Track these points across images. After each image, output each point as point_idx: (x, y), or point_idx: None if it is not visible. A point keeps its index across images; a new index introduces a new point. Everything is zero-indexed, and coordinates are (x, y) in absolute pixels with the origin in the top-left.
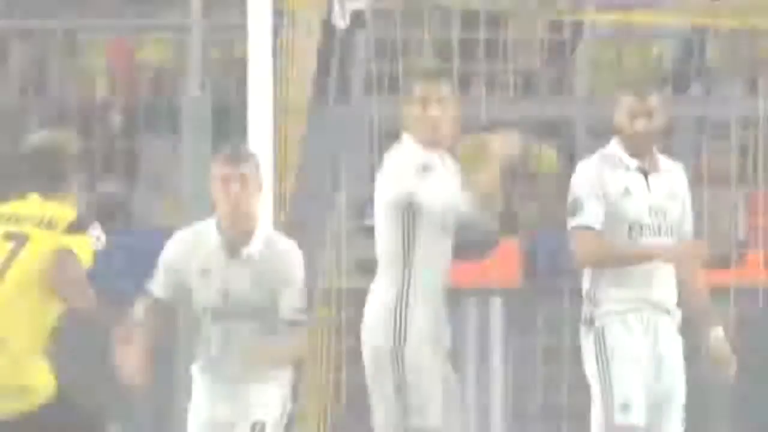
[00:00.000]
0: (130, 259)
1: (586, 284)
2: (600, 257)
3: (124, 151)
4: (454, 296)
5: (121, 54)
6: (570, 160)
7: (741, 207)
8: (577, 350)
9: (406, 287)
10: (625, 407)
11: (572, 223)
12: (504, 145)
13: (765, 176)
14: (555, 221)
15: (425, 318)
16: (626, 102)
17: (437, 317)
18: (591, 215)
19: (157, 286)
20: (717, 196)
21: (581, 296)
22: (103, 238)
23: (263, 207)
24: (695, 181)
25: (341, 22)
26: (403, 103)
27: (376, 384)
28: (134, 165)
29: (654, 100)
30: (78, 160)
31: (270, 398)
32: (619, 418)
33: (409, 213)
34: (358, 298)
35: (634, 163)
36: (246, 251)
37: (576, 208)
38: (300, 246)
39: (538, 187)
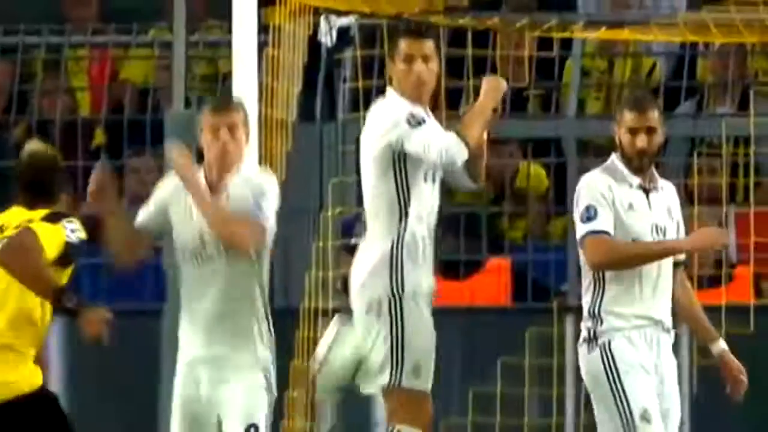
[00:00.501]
0: (114, 279)
1: (587, 301)
2: (620, 258)
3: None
4: (443, 315)
5: (104, 71)
6: (559, 178)
7: (732, 226)
8: (565, 370)
9: (401, 237)
10: (646, 415)
11: (586, 229)
12: (489, 89)
13: (756, 195)
14: (544, 240)
15: (419, 268)
16: (627, 118)
17: (428, 268)
18: (605, 222)
19: (145, 215)
20: (707, 215)
21: (571, 315)
22: (80, 233)
23: (249, 160)
24: (685, 199)
25: (327, 39)
26: (389, 60)
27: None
28: (118, 183)
29: (655, 116)
30: (63, 174)
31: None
32: (642, 428)
33: (402, 161)
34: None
35: (636, 180)
36: (224, 187)
37: (589, 215)
38: (285, 265)
39: (527, 205)
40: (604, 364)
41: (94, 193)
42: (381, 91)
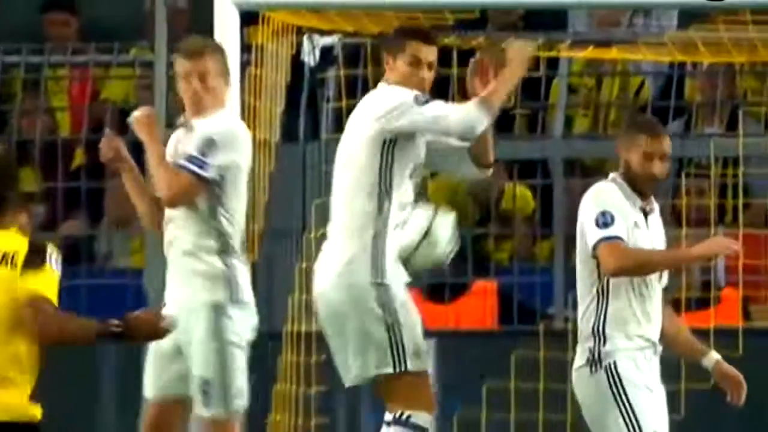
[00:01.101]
0: (94, 300)
1: (588, 320)
2: (636, 264)
3: (89, 191)
4: (428, 338)
5: (84, 91)
6: (546, 199)
7: None
8: (551, 394)
9: (383, 225)
10: None
11: (602, 234)
12: (516, 55)
13: (745, 217)
14: (531, 262)
15: (396, 253)
16: (643, 142)
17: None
18: (620, 228)
19: None
20: (695, 237)
21: (557, 338)
22: (59, 259)
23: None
24: (674, 220)
25: (310, 59)
26: (387, 56)
27: (365, 327)
28: (99, 205)
29: (669, 142)
30: (16, 179)
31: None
32: None
33: (392, 147)
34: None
35: (638, 201)
36: (193, 126)
37: (606, 221)
38: (268, 286)
39: (513, 227)
40: (611, 386)
41: (111, 160)
42: None
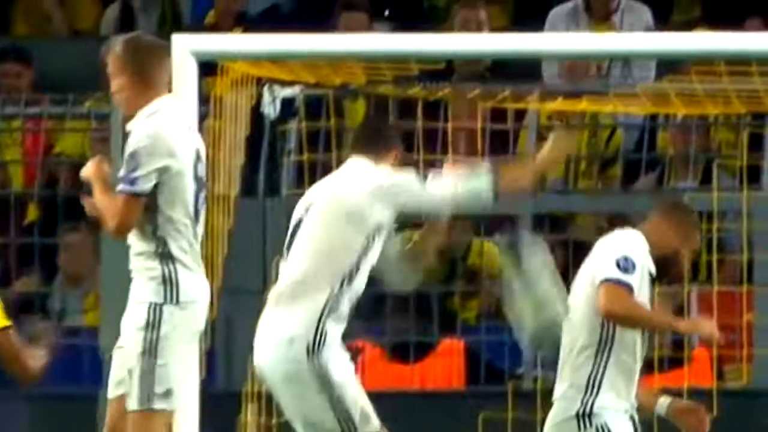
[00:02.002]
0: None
1: (584, 370)
2: (632, 315)
3: (43, 246)
4: (393, 399)
5: (38, 144)
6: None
7: (694, 305)
8: None
9: (337, 294)
10: None
11: (616, 276)
12: (559, 142)
13: (719, 274)
14: (499, 320)
15: (341, 325)
16: (695, 239)
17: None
18: (636, 281)
19: None
20: (665, 295)
21: (526, 399)
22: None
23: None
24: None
25: (271, 110)
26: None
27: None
28: (52, 261)
29: None
30: None
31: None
32: None
33: (378, 231)
34: None
35: (653, 267)
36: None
37: (627, 267)
38: (226, 347)
39: (481, 284)
40: None
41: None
42: (327, 165)
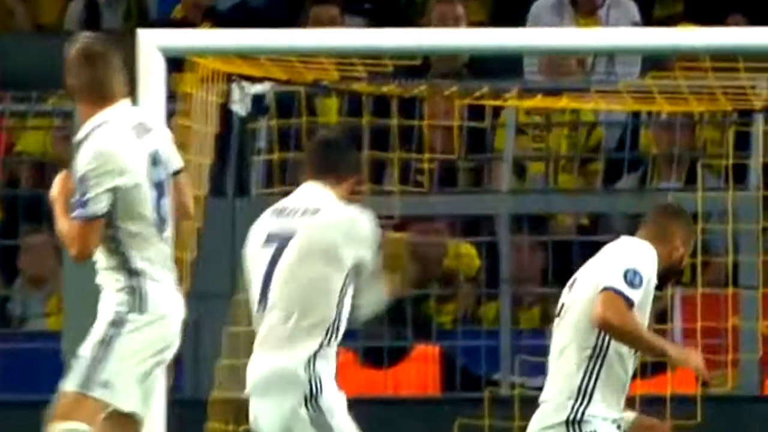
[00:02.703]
0: (8, 366)
1: (575, 377)
2: (627, 330)
3: (3, 248)
4: (366, 406)
5: None
6: (491, 258)
7: (677, 310)
8: None
9: (329, 339)
10: None
11: (622, 288)
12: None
13: (704, 277)
14: (475, 325)
15: (333, 363)
16: (693, 242)
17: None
18: (638, 298)
19: None
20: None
21: (503, 405)
22: None
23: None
24: None
25: (240, 108)
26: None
27: None
28: (13, 263)
29: None
30: None
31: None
32: None
33: (356, 273)
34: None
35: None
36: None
37: (634, 281)
38: (194, 352)
39: (457, 287)
40: None
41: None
42: (298, 164)
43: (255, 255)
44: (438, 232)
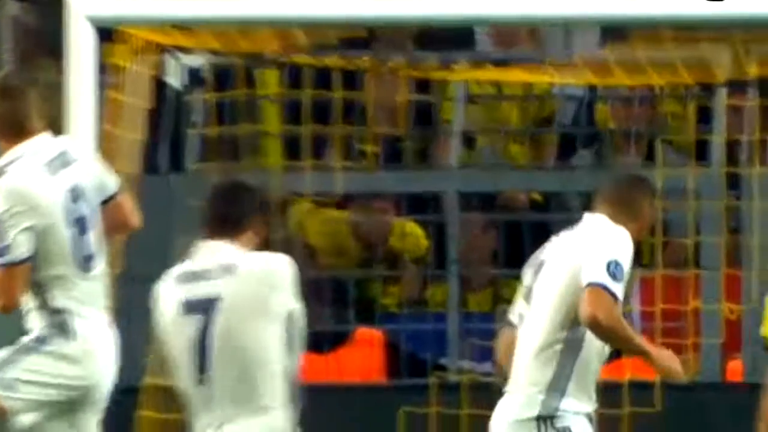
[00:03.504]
0: None
1: (548, 368)
2: (613, 328)
3: None
4: (306, 394)
5: None
6: (439, 238)
7: (636, 291)
8: None
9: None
10: None
11: (604, 281)
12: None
13: (664, 257)
14: (422, 308)
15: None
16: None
17: None
18: (621, 291)
19: None
20: None
21: (450, 392)
22: None
23: None
24: None
25: (176, 81)
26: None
27: None
28: None
29: None
30: None
31: None
32: None
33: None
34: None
35: None
36: None
37: (616, 273)
38: (126, 337)
39: (403, 268)
40: None
41: None
42: (235, 139)
43: (175, 327)
44: (383, 210)
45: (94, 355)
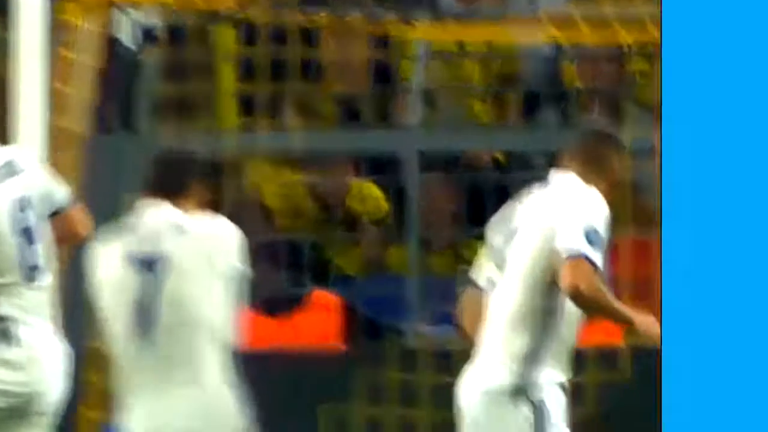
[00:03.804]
0: None
1: (523, 337)
2: (596, 298)
3: None
4: (259, 360)
5: None
6: (399, 199)
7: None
8: (403, 421)
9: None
10: None
11: (583, 250)
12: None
13: (636, 220)
14: (381, 271)
15: None
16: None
17: None
18: (601, 259)
19: None
20: None
21: (409, 358)
22: None
23: None
24: None
25: (128, 38)
26: None
27: None
28: None
29: None
30: None
31: None
32: None
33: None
34: None
35: None
36: None
37: (593, 240)
38: (74, 301)
39: (362, 230)
40: (536, 422)
41: None
42: (189, 99)
43: (116, 284)
44: (341, 170)
45: (40, 362)
